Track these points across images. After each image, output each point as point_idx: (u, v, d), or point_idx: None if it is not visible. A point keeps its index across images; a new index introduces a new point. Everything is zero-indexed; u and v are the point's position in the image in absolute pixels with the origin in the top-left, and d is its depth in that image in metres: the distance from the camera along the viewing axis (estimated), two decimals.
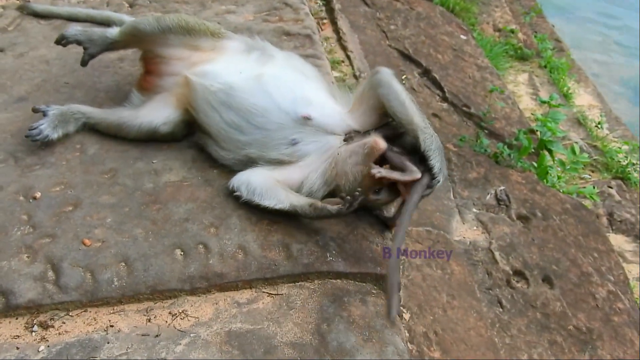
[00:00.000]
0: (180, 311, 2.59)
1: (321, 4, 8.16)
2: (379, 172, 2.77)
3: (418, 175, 2.79)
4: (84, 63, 3.39)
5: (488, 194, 6.19)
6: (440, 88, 7.53)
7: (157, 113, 3.16)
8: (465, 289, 5.26)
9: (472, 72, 8.07)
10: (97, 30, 3.40)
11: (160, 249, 2.72)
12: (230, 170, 3.06)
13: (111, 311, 2.58)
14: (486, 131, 7.17)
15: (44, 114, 3.13)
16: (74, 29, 3.38)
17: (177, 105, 3.17)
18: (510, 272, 5.47)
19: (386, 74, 2.99)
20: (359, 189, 2.80)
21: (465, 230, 5.75)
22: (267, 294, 2.68)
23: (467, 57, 8.27)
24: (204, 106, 3.09)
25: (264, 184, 2.88)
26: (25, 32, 3.99)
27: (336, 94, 3.20)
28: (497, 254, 5.56)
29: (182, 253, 2.72)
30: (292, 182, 2.96)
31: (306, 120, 2.99)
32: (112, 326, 2.52)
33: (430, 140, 2.82)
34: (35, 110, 3.16)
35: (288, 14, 4.36)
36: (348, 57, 7.29)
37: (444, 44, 8.22)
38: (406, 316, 4.92)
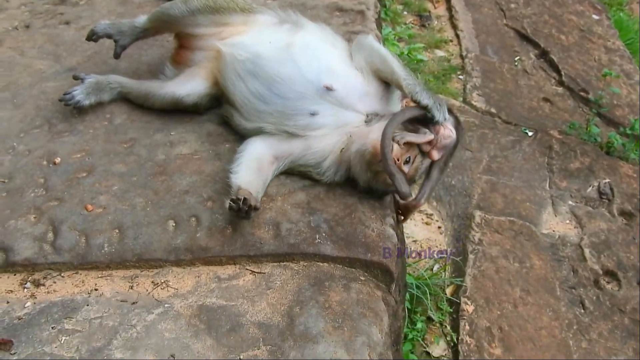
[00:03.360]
0: (163, 281, 2.64)
1: None
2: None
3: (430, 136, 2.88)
4: (116, 55, 3.44)
5: (590, 186, 5.76)
6: (557, 71, 7.06)
7: (183, 85, 3.22)
8: (543, 286, 4.95)
9: (598, 55, 7.49)
10: (126, 21, 3.44)
11: (155, 219, 2.77)
12: None
13: (99, 275, 2.67)
14: (603, 119, 6.64)
15: (82, 81, 3.28)
16: (102, 24, 3.40)
17: (204, 78, 3.21)
18: (600, 272, 5.07)
19: (366, 38, 3.07)
20: (374, 181, 2.89)
21: (555, 224, 5.40)
22: (250, 272, 2.66)
23: (596, 39, 7.67)
24: (231, 75, 3.11)
25: (249, 157, 2.91)
26: (93, 7, 4.20)
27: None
28: (587, 250, 5.17)
29: (174, 224, 2.76)
30: (291, 153, 2.95)
31: (328, 90, 2.92)
32: (96, 289, 2.61)
33: (413, 84, 2.89)
34: (75, 78, 3.33)
35: None
36: (457, 36, 7.06)
37: (570, 24, 7.68)
38: (469, 308, 4.72)
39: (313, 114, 2.92)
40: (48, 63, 3.70)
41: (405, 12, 7.59)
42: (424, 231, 5.25)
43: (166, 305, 2.53)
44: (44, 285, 2.63)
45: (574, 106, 6.76)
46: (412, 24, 7.37)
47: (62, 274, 2.67)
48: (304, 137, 2.93)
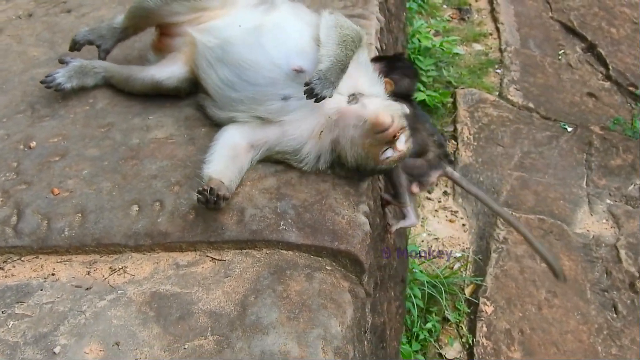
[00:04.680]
0: (121, 267, 2.54)
1: None
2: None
3: None
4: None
5: (631, 184, 5.41)
6: (605, 65, 6.70)
7: (163, 68, 3.14)
8: (572, 288, 4.67)
9: None
10: (104, 24, 3.36)
11: (119, 204, 2.68)
12: None
13: (59, 260, 2.60)
14: None
15: (67, 65, 3.24)
16: (82, 31, 3.35)
17: (184, 62, 3.12)
18: (637, 274, 4.76)
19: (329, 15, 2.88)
20: (364, 157, 2.66)
21: (591, 223, 5.10)
22: (211, 259, 2.53)
23: None
24: (202, 63, 3.00)
25: (223, 145, 2.75)
26: None
27: None
28: (623, 252, 4.86)
29: (137, 209, 2.67)
30: (267, 140, 2.79)
31: (298, 73, 2.74)
32: (53, 274, 2.54)
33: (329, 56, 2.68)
34: (60, 61, 3.29)
35: None
36: (497, 29, 6.81)
37: (622, 17, 7.28)
38: (488, 309, 4.48)
39: (285, 98, 2.76)
40: (43, 50, 3.68)
41: (444, 6, 7.36)
42: (448, 228, 5.03)
43: (119, 291, 2.43)
44: (2, 269, 2.58)
45: (621, 101, 6.39)
46: (451, 17, 7.13)
47: (22, 258, 2.61)
48: (278, 122, 2.77)
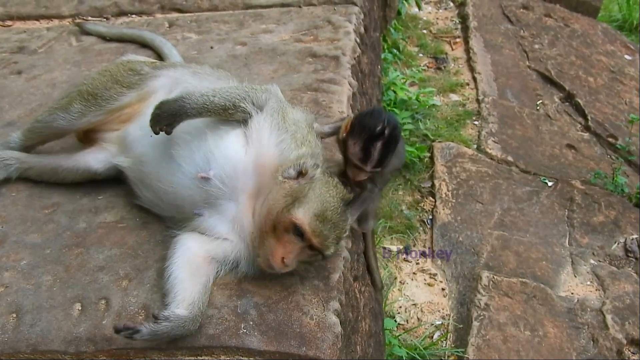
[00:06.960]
0: None
1: (457, 21, 7.52)
2: None
3: None
4: None
5: (615, 242, 5.20)
6: (584, 115, 6.55)
7: (95, 155, 2.84)
8: (558, 357, 4.41)
9: (630, 98, 6.94)
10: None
11: (59, 302, 2.39)
12: None
13: None
14: (632, 167, 6.09)
15: None
16: None
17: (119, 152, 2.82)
18: (624, 342, 4.53)
19: None
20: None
21: (575, 285, 4.87)
22: None
23: (628, 81, 7.13)
24: (128, 178, 2.76)
25: (179, 264, 2.40)
26: (50, 55, 3.91)
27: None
28: (609, 317, 4.64)
29: (80, 308, 2.37)
30: (225, 257, 2.47)
31: (205, 181, 2.42)
32: None
33: None
34: None
35: (326, 33, 3.85)
36: (474, 79, 6.62)
37: (599, 66, 7.16)
38: None
39: (202, 215, 2.46)
40: None
41: (420, 55, 7.19)
42: (426, 293, 4.77)
43: None
44: None
45: (600, 153, 6.22)
46: (427, 66, 6.96)
47: None
48: (224, 239, 2.46)
